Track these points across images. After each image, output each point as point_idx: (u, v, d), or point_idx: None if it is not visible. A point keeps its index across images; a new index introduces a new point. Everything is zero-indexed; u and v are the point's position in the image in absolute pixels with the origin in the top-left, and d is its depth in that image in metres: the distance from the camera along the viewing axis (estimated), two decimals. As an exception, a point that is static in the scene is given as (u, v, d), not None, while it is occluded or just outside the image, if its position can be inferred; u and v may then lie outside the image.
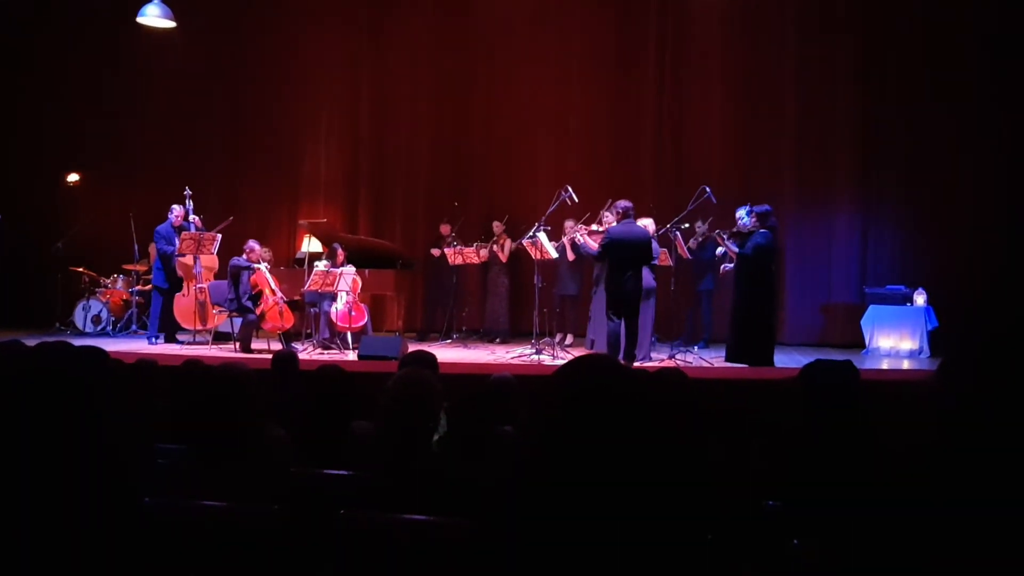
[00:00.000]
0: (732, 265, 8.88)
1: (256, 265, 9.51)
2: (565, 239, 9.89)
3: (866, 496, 2.25)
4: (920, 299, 9.79)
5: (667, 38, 11.45)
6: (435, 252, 10.95)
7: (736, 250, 8.56)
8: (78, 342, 2.64)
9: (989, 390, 1.15)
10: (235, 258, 9.50)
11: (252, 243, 9.62)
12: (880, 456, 2.73)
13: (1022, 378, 1.13)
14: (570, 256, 10.01)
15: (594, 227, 9.24)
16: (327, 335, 9.79)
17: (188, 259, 10.00)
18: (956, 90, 10.34)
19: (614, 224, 8.47)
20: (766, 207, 8.50)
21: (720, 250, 9.33)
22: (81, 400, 2.18)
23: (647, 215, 9.23)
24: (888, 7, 10.66)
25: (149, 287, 10.56)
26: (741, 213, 8.92)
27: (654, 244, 8.65)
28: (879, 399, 3.06)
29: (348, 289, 9.59)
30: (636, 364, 8.06)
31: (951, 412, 1.19)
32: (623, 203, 8.35)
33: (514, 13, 11.63)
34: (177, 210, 10.08)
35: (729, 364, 8.53)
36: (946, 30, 10.40)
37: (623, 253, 8.14)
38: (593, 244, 8.70)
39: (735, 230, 8.94)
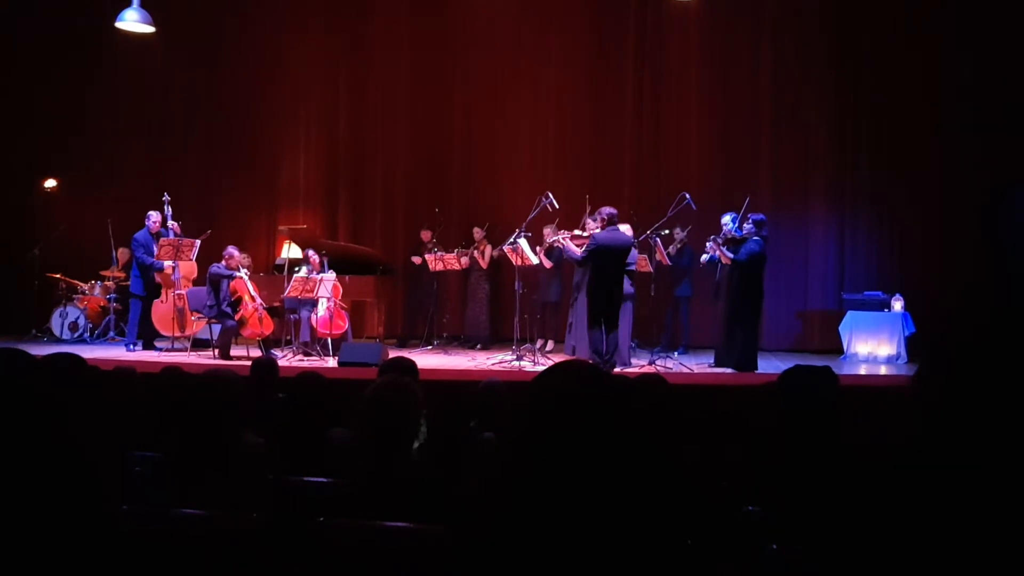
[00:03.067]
0: (707, 257, 8.96)
1: (236, 272, 9.46)
2: (539, 248, 9.81)
3: (844, 501, 2.27)
4: (898, 305, 9.85)
5: (646, 46, 11.51)
6: (416, 260, 10.93)
7: (731, 256, 8.57)
8: (55, 349, 2.62)
9: (965, 395, 1.16)
10: (214, 264, 9.45)
11: (231, 249, 9.57)
12: (858, 461, 2.75)
13: (998, 383, 1.15)
14: (547, 264, 9.99)
15: (577, 232, 9.21)
16: (307, 339, 9.77)
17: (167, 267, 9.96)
18: (932, 97, 10.43)
19: (598, 230, 8.45)
20: (762, 216, 8.56)
21: (704, 257, 9.30)
22: (53, 407, 2.16)
23: (625, 221, 9.25)
24: (865, 16, 10.76)
25: (125, 280, 10.49)
26: (727, 219, 8.90)
27: (633, 251, 8.66)
28: (857, 404, 3.09)
29: (329, 295, 9.55)
30: (616, 371, 8.07)
31: (928, 418, 1.20)
32: (608, 210, 8.35)
33: (493, 20, 11.65)
34: (154, 216, 10.02)
35: (714, 369, 8.55)
36: (925, 38, 10.49)
37: (608, 259, 8.15)
38: (575, 249, 8.58)
39: (726, 236, 8.92)
